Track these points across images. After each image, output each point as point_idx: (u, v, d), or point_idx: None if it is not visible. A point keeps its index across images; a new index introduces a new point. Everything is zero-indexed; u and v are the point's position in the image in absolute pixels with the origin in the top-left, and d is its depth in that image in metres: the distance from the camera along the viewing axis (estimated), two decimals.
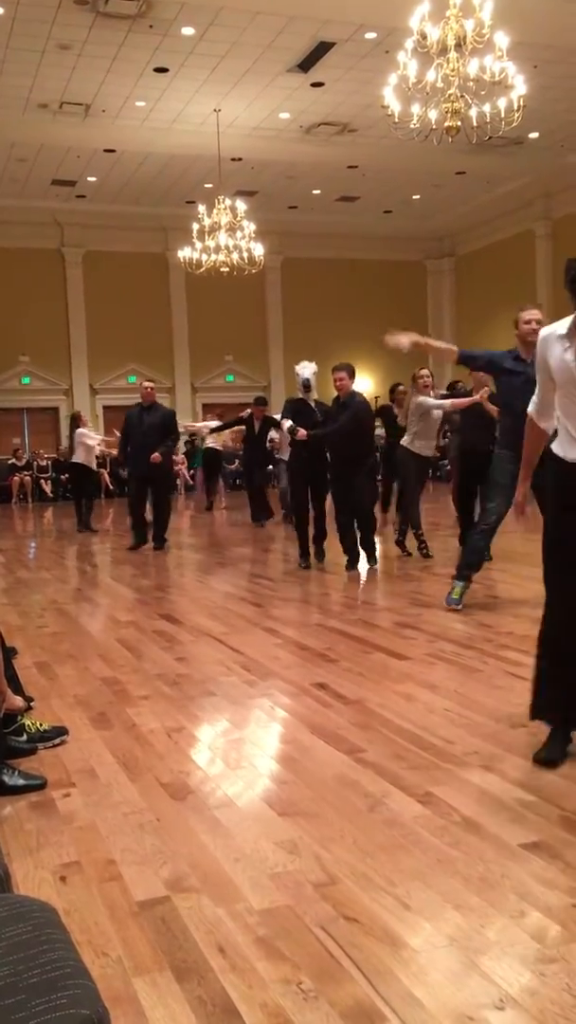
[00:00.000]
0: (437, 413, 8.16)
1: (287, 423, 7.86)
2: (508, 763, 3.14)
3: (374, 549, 7.94)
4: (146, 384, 10.86)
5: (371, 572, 7.71)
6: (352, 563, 7.77)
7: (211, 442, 15.30)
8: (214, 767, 3.31)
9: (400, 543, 8.54)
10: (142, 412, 10.38)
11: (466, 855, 2.48)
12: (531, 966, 1.96)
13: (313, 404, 8.07)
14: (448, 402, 8.04)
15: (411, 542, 8.41)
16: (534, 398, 3.29)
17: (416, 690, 4.10)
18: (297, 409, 8.00)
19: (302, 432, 7.63)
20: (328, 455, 7.96)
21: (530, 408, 3.33)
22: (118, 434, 11.26)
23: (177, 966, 2.03)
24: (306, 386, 8.04)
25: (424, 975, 1.95)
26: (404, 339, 6.14)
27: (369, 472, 7.97)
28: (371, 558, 7.88)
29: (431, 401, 8.06)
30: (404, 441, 8.37)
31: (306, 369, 8.04)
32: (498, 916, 2.16)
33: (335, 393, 7.82)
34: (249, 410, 12.00)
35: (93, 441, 12.92)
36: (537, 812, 2.73)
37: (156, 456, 9.82)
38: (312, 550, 8.16)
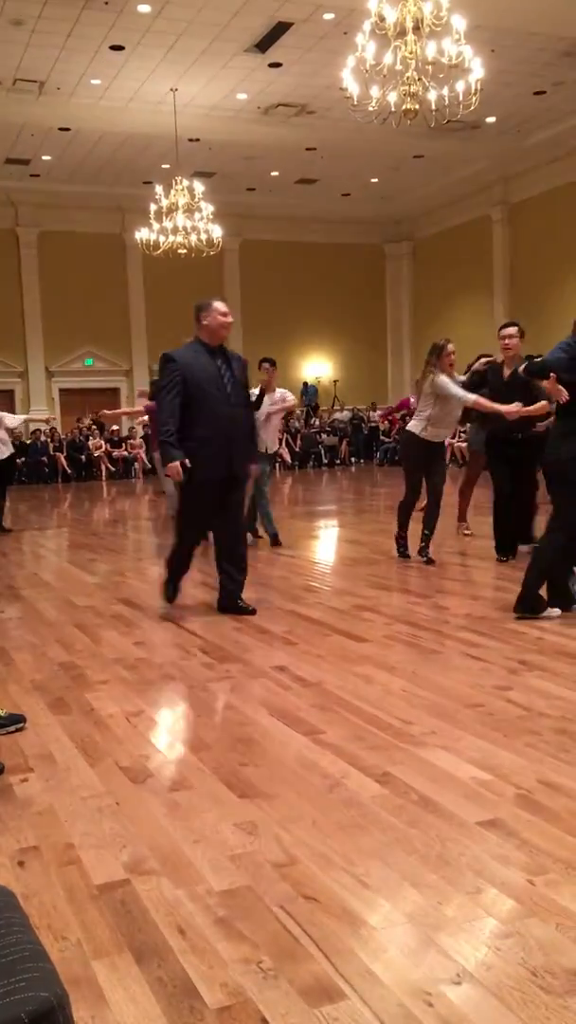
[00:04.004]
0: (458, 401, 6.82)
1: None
2: (465, 742, 3.18)
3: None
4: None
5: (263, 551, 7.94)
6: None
7: None
8: (173, 750, 3.31)
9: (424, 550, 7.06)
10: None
11: (424, 833, 2.51)
12: (487, 941, 1.99)
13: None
14: (472, 398, 6.66)
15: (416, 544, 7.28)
16: None
17: (374, 672, 4.13)
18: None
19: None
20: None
21: None
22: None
23: (137, 948, 2.03)
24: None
25: (382, 952, 1.97)
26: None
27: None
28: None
29: (454, 389, 6.70)
30: (411, 426, 7.04)
31: None
32: (455, 893, 2.20)
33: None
34: None
35: (14, 422, 11.15)
36: (493, 790, 2.77)
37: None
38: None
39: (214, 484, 5.21)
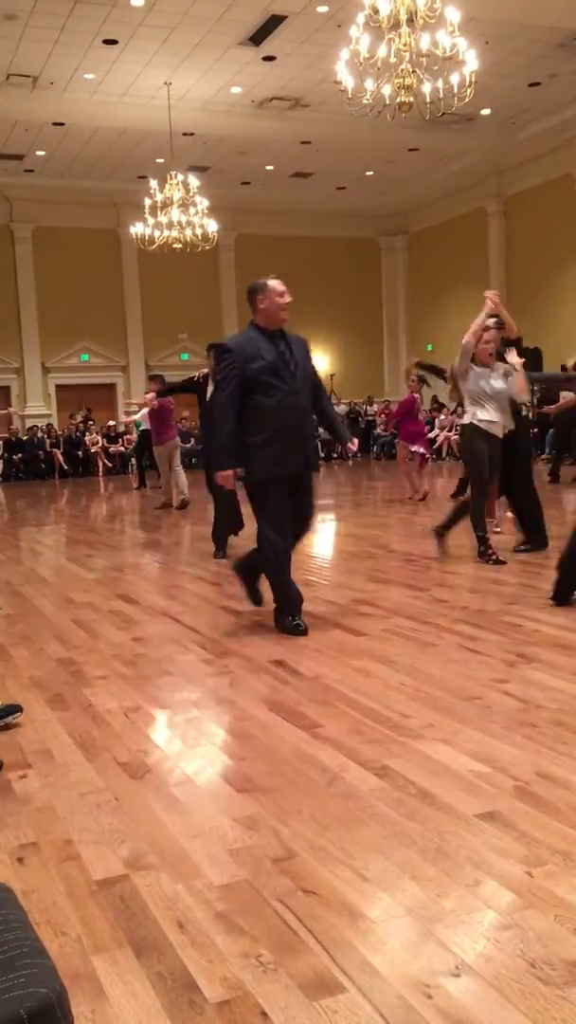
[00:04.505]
0: (499, 384, 6.44)
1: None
2: (463, 735, 3.18)
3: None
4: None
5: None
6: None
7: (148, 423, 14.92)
8: (172, 745, 3.31)
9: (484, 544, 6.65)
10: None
11: (422, 826, 2.51)
12: (486, 933, 2.00)
13: None
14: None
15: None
16: None
17: (373, 665, 4.14)
18: None
19: None
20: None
21: None
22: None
23: (136, 943, 2.03)
24: None
25: (381, 945, 1.98)
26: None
27: None
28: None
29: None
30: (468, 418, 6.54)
31: None
32: (454, 886, 2.20)
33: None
34: (205, 370, 7.93)
35: None
36: (491, 783, 2.77)
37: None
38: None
39: (284, 483, 4.71)
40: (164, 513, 11.74)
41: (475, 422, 6.40)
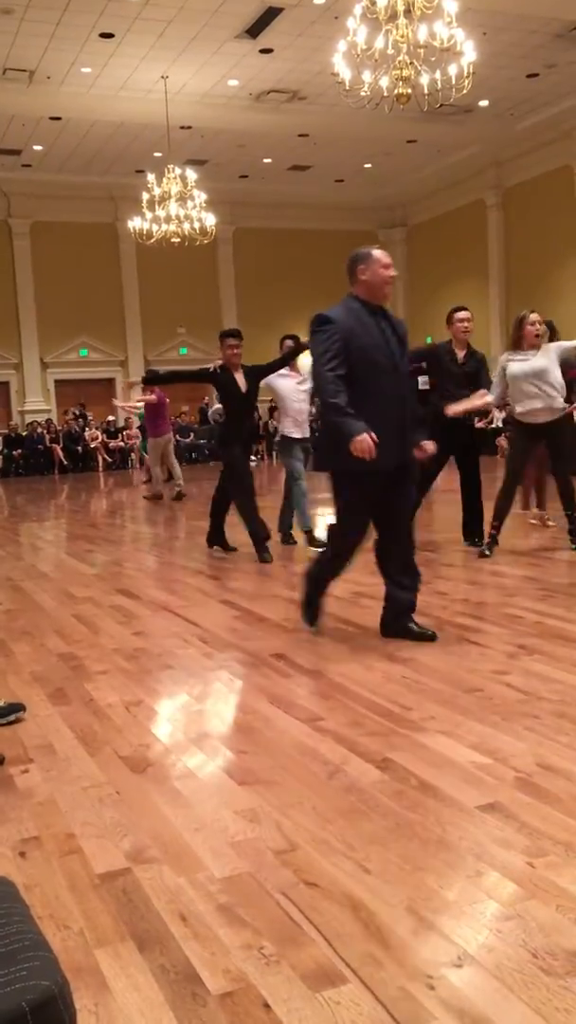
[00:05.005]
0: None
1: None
2: (464, 727, 3.18)
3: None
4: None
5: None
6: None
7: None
8: (173, 739, 3.31)
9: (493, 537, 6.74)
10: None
11: (424, 818, 2.51)
12: (488, 924, 2.00)
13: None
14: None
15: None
16: None
17: (373, 658, 4.14)
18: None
19: None
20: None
21: None
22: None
23: (139, 936, 2.03)
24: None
25: (383, 936, 1.98)
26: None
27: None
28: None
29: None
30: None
31: None
32: (456, 877, 2.20)
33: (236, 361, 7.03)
34: (219, 361, 7.17)
35: None
36: (492, 774, 2.78)
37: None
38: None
39: (381, 477, 4.22)
40: (161, 507, 11.74)
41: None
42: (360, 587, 5.77)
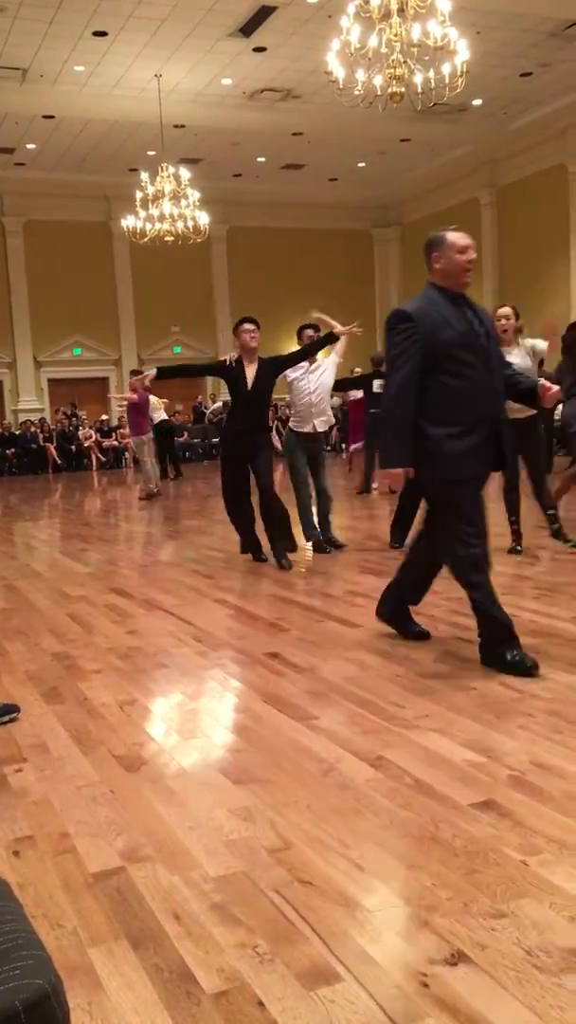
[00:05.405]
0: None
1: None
2: (458, 725, 3.19)
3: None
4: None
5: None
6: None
7: (162, 415, 15.24)
8: (168, 738, 3.31)
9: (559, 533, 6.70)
10: None
11: (418, 816, 2.52)
12: (482, 922, 2.00)
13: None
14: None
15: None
16: None
17: (367, 657, 4.14)
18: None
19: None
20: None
21: None
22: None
23: (133, 935, 2.03)
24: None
25: (378, 934, 1.98)
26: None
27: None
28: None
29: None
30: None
31: None
32: (450, 875, 2.20)
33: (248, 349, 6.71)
34: (235, 353, 6.80)
35: None
36: (486, 772, 2.78)
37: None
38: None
39: (481, 480, 3.90)
40: (161, 506, 11.73)
41: None
42: (353, 586, 5.78)
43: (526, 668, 3.71)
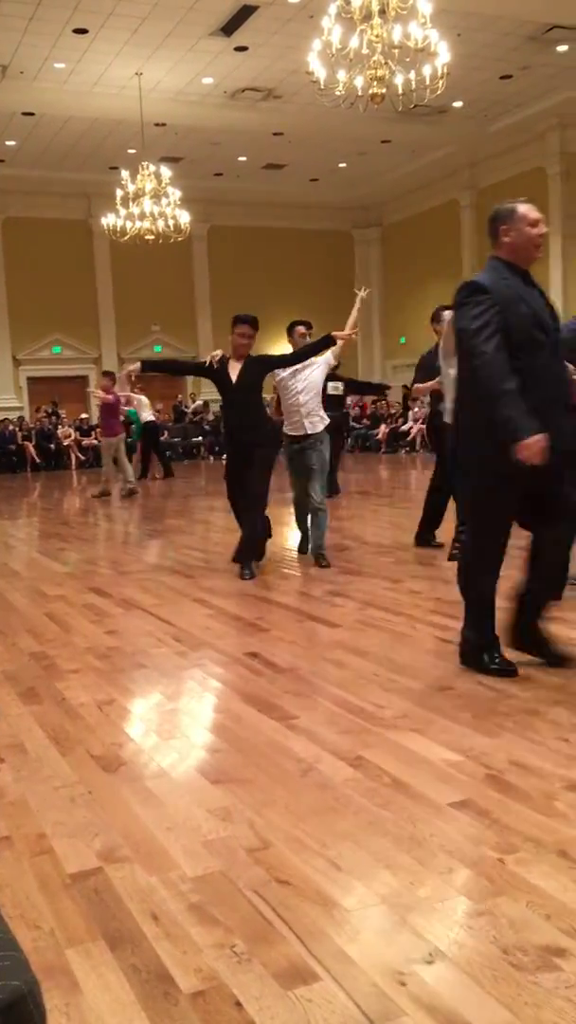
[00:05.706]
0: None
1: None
2: (437, 725, 3.20)
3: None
4: None
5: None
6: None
7: (149, 415, 15.35)
8: (146, 738, 3.30)
9: None
10: None
11: (396, 815, 2.52)
12: (459, 921, 2.01)
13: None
14: None
15: None
16: None
17: (347, 657, 4.15)
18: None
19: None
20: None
21: None
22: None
23: (110, 935, 2.03)
24: None
25: (356, 934, 1.98)
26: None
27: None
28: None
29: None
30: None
31: None
32: (427, 874, 2.21)
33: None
34: (220, 352, 6.43)
35: None
36: (464, 772, 2.79)
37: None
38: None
39: (538, 472, 3.41)
40: (141, 505, 11.70)
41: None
42: (333, 586, 5.78)
43: (506, 669, 3.72)
